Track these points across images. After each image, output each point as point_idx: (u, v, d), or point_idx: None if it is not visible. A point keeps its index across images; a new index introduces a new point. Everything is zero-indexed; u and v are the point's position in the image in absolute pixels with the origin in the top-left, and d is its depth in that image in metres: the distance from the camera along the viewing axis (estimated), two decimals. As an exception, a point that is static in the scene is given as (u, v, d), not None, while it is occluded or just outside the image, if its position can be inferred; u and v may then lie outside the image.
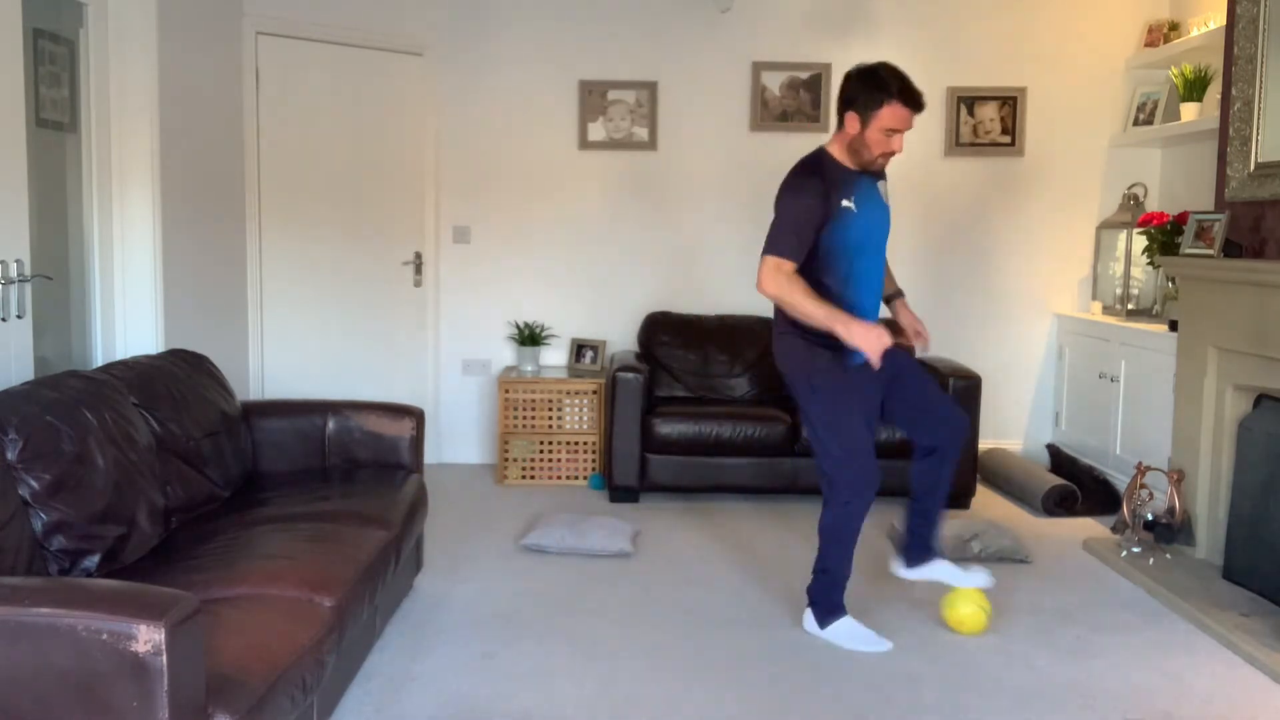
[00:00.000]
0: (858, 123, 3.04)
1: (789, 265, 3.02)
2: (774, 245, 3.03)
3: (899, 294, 3.45)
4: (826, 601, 3.26)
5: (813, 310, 2.99)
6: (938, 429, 3.21)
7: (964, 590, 3.35)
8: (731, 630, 3.34)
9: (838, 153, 3.13)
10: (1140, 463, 4.20)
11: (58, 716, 1.77)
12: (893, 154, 3.08)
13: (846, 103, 3.07)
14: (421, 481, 3.58)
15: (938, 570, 3.39)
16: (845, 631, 3.23)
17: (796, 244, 3.02)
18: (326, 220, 5.12)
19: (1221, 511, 3.90)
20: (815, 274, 3.07)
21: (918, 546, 3.39)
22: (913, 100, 3.01)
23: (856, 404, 3.12)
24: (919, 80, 5.35)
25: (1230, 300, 3.82)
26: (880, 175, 3.22)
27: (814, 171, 3.08)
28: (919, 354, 3.38)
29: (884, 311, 3.46)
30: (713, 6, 5.34)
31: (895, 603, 3.60)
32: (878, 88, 2.99)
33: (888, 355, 3.06)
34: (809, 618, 3.30)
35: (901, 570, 3.44)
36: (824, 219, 3.02)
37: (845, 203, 3.05)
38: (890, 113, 2.99)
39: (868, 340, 2.94)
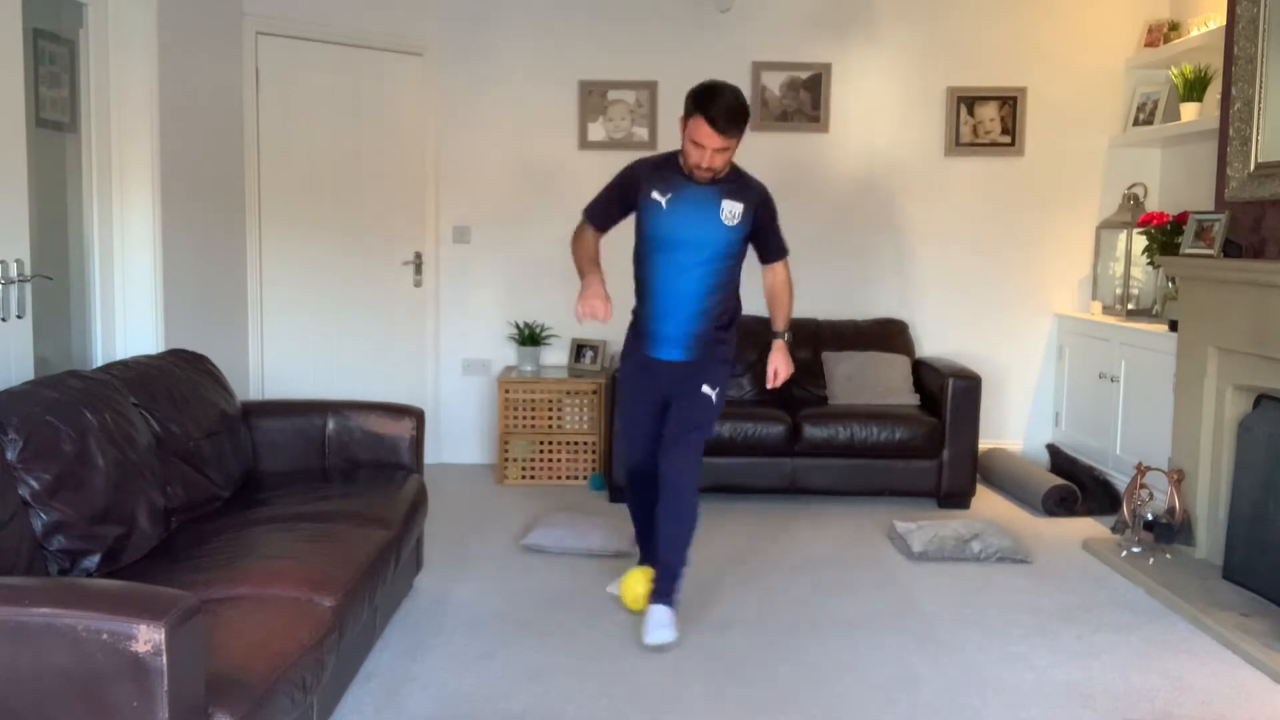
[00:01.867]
0: (682, 128, 3.19)
1: (591, 230, 3.37)
2: (590, 206, 3.41)
3: (780, 334, 3.46)
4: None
5: (577, 261, 3.35)
6: (663, 454, 3.30)
7: (636, 571, 3.44)
8: (731, 630, 3.34)
9: (682, 158, 3.29)
10: (1140, 463, 4.20)
11: (58, 716, 1.77)
12: (706, 168, 3.15)
13: (684, 109, 3.21)
14: (421, 481, 3.58)
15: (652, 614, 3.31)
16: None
17: (598, 208, 3.38)
18: (326, 220, 5.12)
19: (1221, 511, 3.91)
20: (635, 258, 3.38)
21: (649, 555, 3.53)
22: (720, 122, 3.06)
23: (629, 390, 3.43)
24: (919, 80, 5.42)
25: (1230, 300, 3.82)
26: (739, 197, 3.26)
27: (654, 162, 3.33)
28: (771, 385, 3.49)
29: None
30: (713, 6, 5.34)
31: (896, 603, 3.60)
32: (695, 100, 3.11)
33: (682, 372, 3.32)
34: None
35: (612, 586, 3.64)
36: (630, 202, 3.31)
37: (655, 195, 3.26)
38: (695, 126, 3.11)
39: (580, 300, 3.21)
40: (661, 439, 3.32)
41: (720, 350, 3.37)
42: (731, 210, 3.26)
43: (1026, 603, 3.62)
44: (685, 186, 3.24)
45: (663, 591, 3.27)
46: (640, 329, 3.40)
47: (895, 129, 5.46)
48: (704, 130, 3.08)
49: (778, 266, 3.46)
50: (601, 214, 3.37)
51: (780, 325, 3.48)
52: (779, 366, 3.43)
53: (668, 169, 3.28)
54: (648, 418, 3.41)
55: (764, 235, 3.37)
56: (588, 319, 3.21)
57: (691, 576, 3.84)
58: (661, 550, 3.29)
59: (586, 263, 3.32)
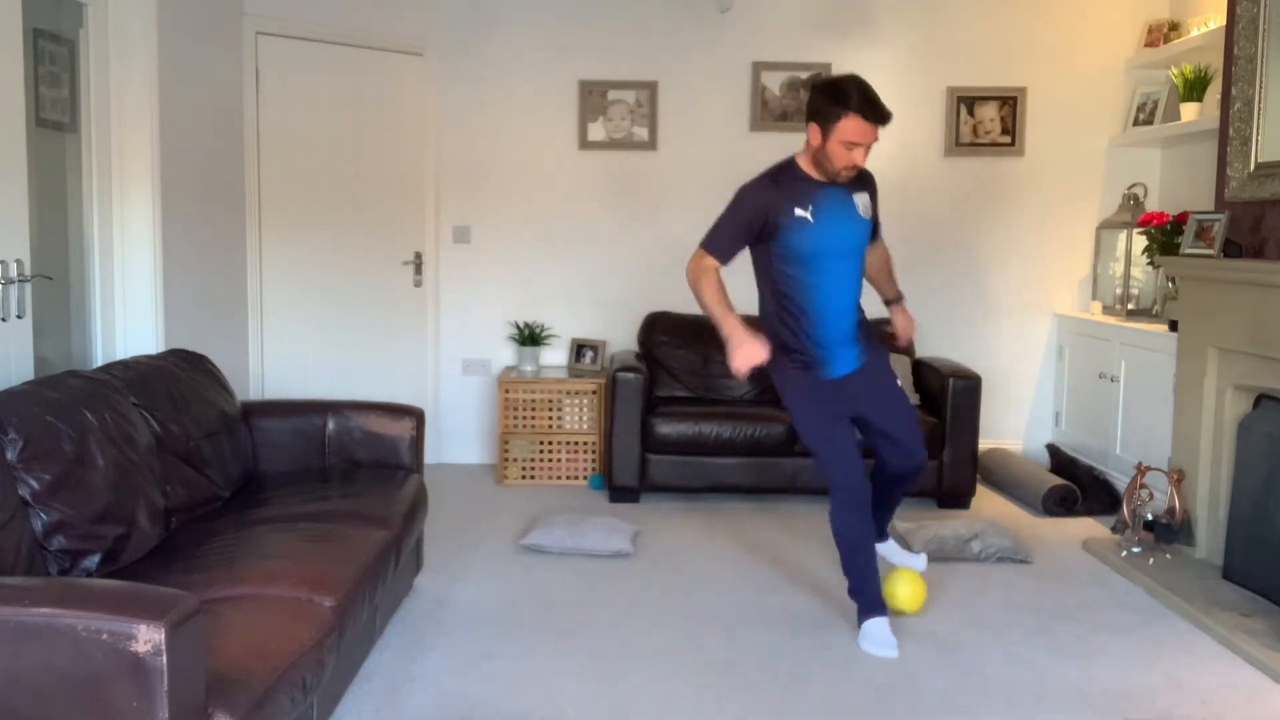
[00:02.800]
0: (819, 134, 3.04)
1: (713, 262, 3.14)
2: (707, 240, 3.17)
3: (898, 298, 3.55)
4: (857, 598, 3.33)
5: (712, 306, 3.13)
6: (903, 460, 3.35)
7: (900, 571, 3.48)
8: (731, 630, 3.34)
9: (805, 164, 3.15)
10: (1140, 463, 4.20)
11: (58, 716, 1.77)
12: (856, 167, 3.07)
13: (810, 115, 3.07)
14: (421, 481, 3.58)
15: (884, 549, 3.59)
16: (867, 630, 3.24)
17: (725, 243, 3.14)
18: (327, 220, 5.12)
19: (1221, 511, 3.90)
20: (776, 282, 3.18)
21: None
22: (874, 113, 2.98)
23: (815, 405, 3.22)
24: (919, 80, 5.41)
25: (1230, 300, 3.82)
26: (860, 187, 3.22)
27: (772, 179, 3.15)
28: (903, 343, 3.55)
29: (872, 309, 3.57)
30: (713, 6, 5.34)
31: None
32: (837, 100, 2.98)
33: (868, 374, 3.23)
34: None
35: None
36: (767, 226, 3.10)
37: (799, 211, 3.09)
38: (849, 125, 2.98)
39: (737, 353, 3.06)
40: (861, 445, 3.29)
41: (871, 338, 3.34)
42: (863, 203, 3.21)
43: (1026, 603, 3.62)
44: (820, 194, 3.11)
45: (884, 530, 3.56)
46: (807, 356, 3.19)
47: (895, 129, 5.46)
48: (859, 127, 2.97)
49: (880, 243, 3.48)
50: (728, 248, 3.14)
51: (894, 291, 3.55)
52: (906, 326, 3.50)
53: (792, 181, 3.12)
54: (848, 434, 3.24)
55: (875, 218, 3.33)
56: (749, 367, 3.06)
57: (692, 576, 3.84)
58: (894, 502, 3.49)
59: (721, 304, 3.12)
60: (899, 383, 3.40)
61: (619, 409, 4.75)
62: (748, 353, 3.05)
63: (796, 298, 3.16)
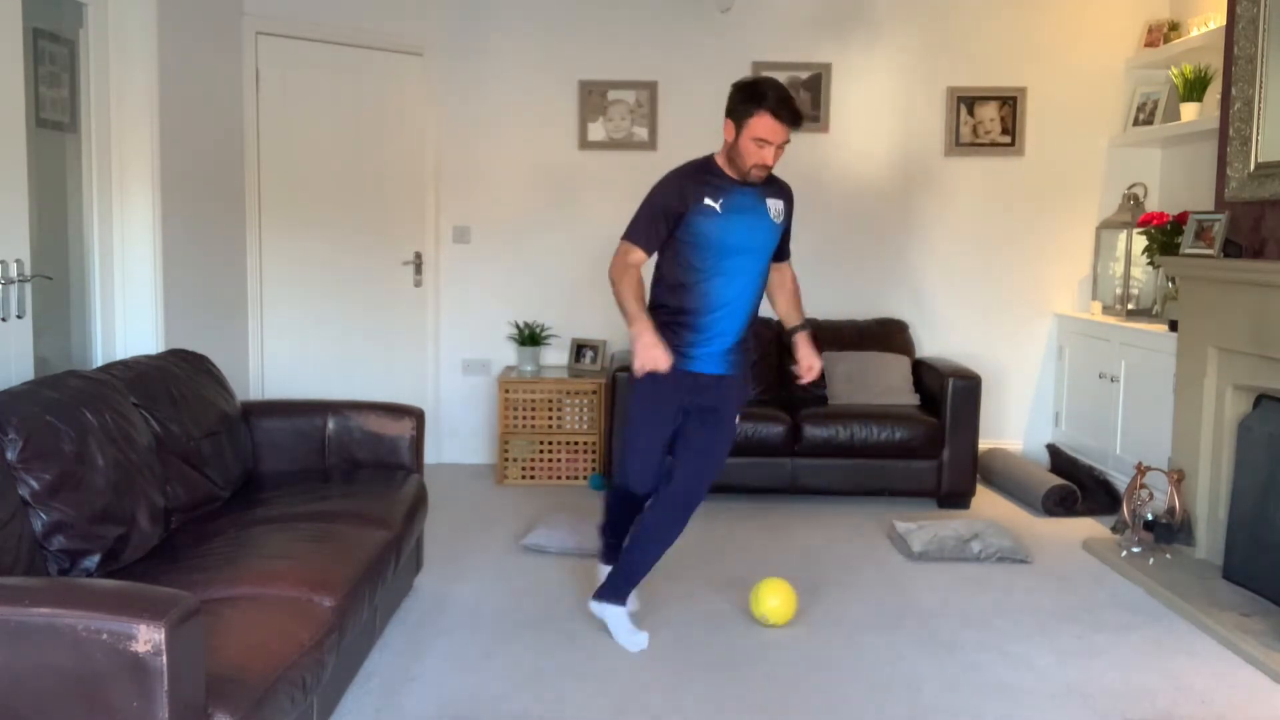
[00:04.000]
0: (733, 130, 3.07)
1: (638, 254, 3.14)
2: (628, 231, 3.17)
3: (801, 327, 3.38)
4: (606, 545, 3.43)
5: (627, 303, 3.11)
6: (680, 484, 3.19)
7: (768, 582, 3.39)
8: (731, 630, 3.34)
9: (721, 161, 3.17)
10: (1140, 463, 4.20)
11: (58, 716, 1.77)
12: (766, 166, 3.07)
13: (727, 111, 3.10)
14: (421, 481, 3.58)
15: (609, 614, 3.27)
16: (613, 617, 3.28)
17: (645, 231, 3.14)
18: (326, 220, 5.12)
19: (1221, 511, 3.90)
20: (676, 271, 3.16)
21: (610, 585, 3.32)
22: (786, 113, 3.00)
23: (657, 399, 3.16)
24: (919, 80, 5.42)
25: (1230, 300, 3.82)
26: (777, 194, 3.20)
27: (682, 172, 3.18)
28: (805, 380, 3.35)
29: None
30: (713, 6, 5.34)
31: (896, 603, 3.60)
32: (752, 98, 3.02)
33: (721, 390, 3.18)
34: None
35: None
36: (676, 213, 3.10)
37: (708, 200, 3.11)
38: (760, 123, 3.00)
39: (641, 354, 3.05)
40: (665, 454, 3.23)
41: (745, 365, 3.28)
42: (776, 209, 3.20)
43: (1026, 603, 3.62)
44: (733, 190, 3.12)
45: (623, 592, 3.28)
46: (679, 341, 3.15)
47: (895, 129, 5.46)
48: (768, 125, 2.99)
49: (787, 266, 3.42)
50: (650, 236, 3.14)
51: (799, 318, 3.41)
52: (811, 360, 3.32)
53: (709, 175, 3.15)
54: (662, 438, 3.21)
55: (786, 234, 3.31)
56: (645, 371, 3.06)
57: (692, 576, 3.84)
58: (645, 558, 3.25)
59: (636, 304, 3.11)
60: (736, 423, 3.30)
61: (619, 409, 4.74)
62: (651, 357, 3.03)
63: (686, 286, 3.14)
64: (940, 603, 3.60)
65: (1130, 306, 5.11)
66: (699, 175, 3.16)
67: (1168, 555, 3.98)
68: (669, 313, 3.17)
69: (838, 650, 3.20)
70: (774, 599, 3.35)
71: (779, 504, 4.87)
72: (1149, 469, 4.12)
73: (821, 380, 3.32)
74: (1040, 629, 3.39)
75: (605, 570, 3.44)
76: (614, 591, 3.27)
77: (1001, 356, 5.58)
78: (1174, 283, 4.49)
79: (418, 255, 5.41)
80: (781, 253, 3.34)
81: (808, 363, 3.31)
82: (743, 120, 3.04)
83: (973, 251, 5.54)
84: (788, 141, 3.06)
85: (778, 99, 3.00)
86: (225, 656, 2.04)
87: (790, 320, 3.41)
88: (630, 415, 3.24)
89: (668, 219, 3.12)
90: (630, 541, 3.29)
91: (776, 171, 3.21)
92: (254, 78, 4.82)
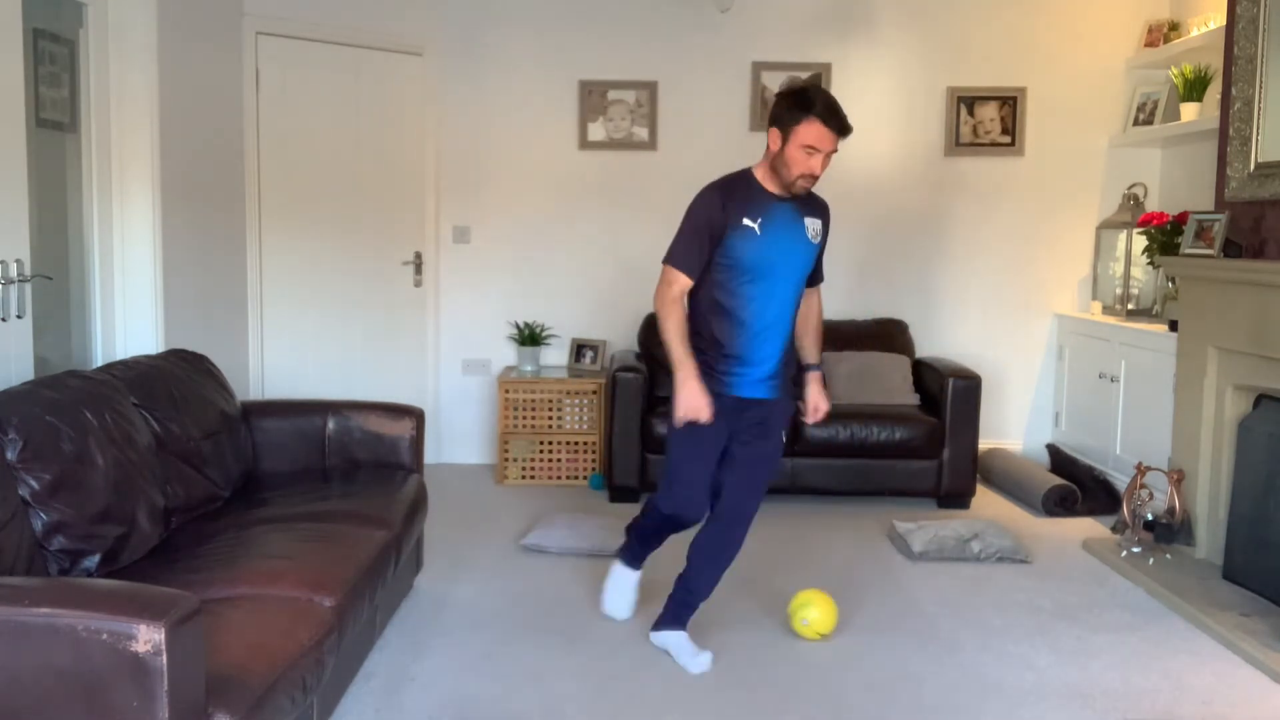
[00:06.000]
0: (779, 139, 2.96)
1: (682, 280, 3.00)
2: (669, 255, 3.03)
3: (816, 367, 3.28)
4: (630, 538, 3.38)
5: (673, 344, 2.98)
6: (723, 493, 3.14)
7: (806, 594, 3.32)
8: (731, 630, 3.34)
9: (761, 175, 3.05)
10: (1140, 463, 4.20)
11: (58, 716, 1.77)
12: (814, 176, 2.95)
13: (772, 120, 2.99)
14: (421, 481, 3.58)
15: (671, 641, 3.20)
16: (618, 574, 3.40)
17: (688, 255, 3.00)
18: (326, 220, 5.12)
19: (1221, 511, 3.90)
20: (713, 292, 3.03)
21: (670, 611, 3.26)
22: (835, 121, 2.90)
23: (700, 435, 3.02)
24: (919, 80, 5.42)
25: (1230, 300, 3.82)
26: (815, 213, 3.10)
27: (721, 187, 3.04)
28: (811, 422, 3.29)
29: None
30: (713, 6, 5.34)
31: (896, 603, 3.60)
32: (801, 105, 2.91)
33: (764, 412, 3.07)
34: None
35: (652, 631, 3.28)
36: (720, 231, 2.97)
37: (746, 221, 2.97)
38: (810, 130, 2.88)
39: (684, 403, 2.94)
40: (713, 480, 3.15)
41: (788, 385, 3.17)
42: (814, 227, 3.08)
43: (1026, 603, 3.62)
44: (772, 207, 2.99)
45: (684, 618, 3.22)
46: (720, 367, 3.03)
47: (895, 129, 5.46)
48: (818, 132, 2.87)
49: (815, 292, 3.26)
50: (694, 260, 2.99)
51: (816, 356, 3.28)
52: (819, 402, 3.22)
53: (745, 190, 3.01)
54: (710, 465, 3.08)
55: (820, 255, 3.18)
56: (687, 421, 2.96)
57: (691, 576, 3.84)
58: (702, 581, 3.20)
59: (681, 346, 2.97)
60: (783, 438, 3.19)
61: (619, 409, 4.75)
62: (693, 408, 2.94)
63: (730, 309, 3.02)
64: (940, 603, 3.60)
65: (1130, 306, 5.11)
66: (738, 191, 3.02)
67: (1168, 555, 3.98)
68: (707, 341, 3.04)
69: (838, 650, 3.20)
70: (814, 611, 3.27)
71: (779, 504, 4.86)
72: (1149, 469, 4.12)
73: (794, 381, 3.24)
74: (1040, 629, 3.39)
75: (620, 569, 3.40)
76: (675, 618, 3.20)
77: (1001, 356, 5.58)
78: (1174, 283, 4.49)
79: (418, 255, 5.41)
80: (815, 276, 3.20)
81: (814, 403, 3.23)
82: (790, 128, 2.92)
83: (973, 251, 5.54)
84: (835, 151, 2.95)
85: (826, 106, 2.89)
86: (225, 656, 2.04)
87: (807, 356, 3.27)
88: (674, 447, 3.09)
89: (711, 237, 2.99)
90: (688, 566, 3.21)
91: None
92: (254, 78, 4.82)
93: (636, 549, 3.38)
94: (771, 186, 3.02)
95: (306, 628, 2.29)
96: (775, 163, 2.98)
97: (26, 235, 3.02)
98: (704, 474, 3.08)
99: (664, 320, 3.00)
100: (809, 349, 3.27)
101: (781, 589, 3.71)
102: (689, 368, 2.96)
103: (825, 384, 3.31)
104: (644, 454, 4.77)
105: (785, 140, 2.93)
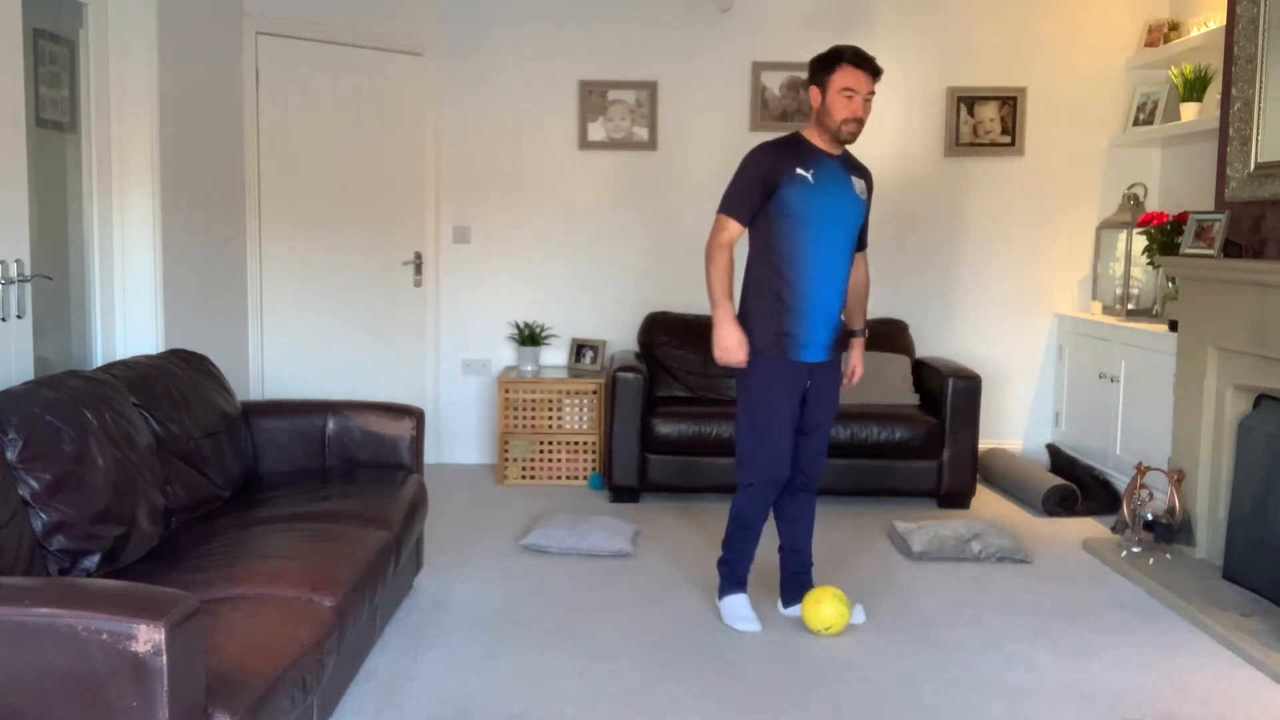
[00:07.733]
0: (819, 94, 3.17)
1: (734, 227, 3.19)
2: (723, 204, 3.21)
3: (859, 333, 3.49)
4: (727, 576, 3.43)
5: (714, 289, 3.20)
6: (802, 472, 3.38)
7: (821, 590, 3.33)
8: (731, 630, 3.34)
9: (811, 136, 3.24)
10: (1140, 463, 4.20)
11: (58, 716, 1.77)
12: (858, 120, 3.14)
13: (810, 81, 3.21)
14: (421, 481, 3.58)
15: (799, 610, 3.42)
16: (730, 605, 3.40)
17: (740, 202, 3.18)
18: (327, 220, 5.12)
19: (1221, 511, 3.91)
20: (771, 241, 3.19)
21: (791, 585, 3.46)
22: (866, 63, 3.13)
23: (780, 389, 3.22)
24: (919, 80, 5.42)
25: (1230, 300, 3.83)
26: (860, 174, 3.27)
27: (773, 144, 3.23)
28: (848, 384, 3.50)
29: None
30: (713, 6, 5.34)
31: (896, 603, 3.60)
32: (830, 57, 3.15)
33: (828, 373, 3.29)
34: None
35: (782, 609, 3.48)
36: (769, 184, 3.14)
37: (800, 170, 3.15)
38: (844, 74, 3.11)
39: (720, 343, 3.19)
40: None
41: (839, 347, 3.35)
42: (860, 186, 3.26)
43: (1026, 603, 3.62)
44: (823, 162, 3.18)
45: (807, 582, 3.44)
46: (785, 329, 3.19)
47: (895, 129, 5.46)
48: (852, 75, 3.10)
49: (863, 258, 3.46)
50: (743, 205, 3.17)
51: (861, 323, 3.49)
52: (858, 365, 3.46)
53: (797, 146, 3.20)
54: (792, 426, 3.26)
55: (866, 218, 3.34)
56: (724, 364, 3.22)
57: (692, 576, 3.84)
58: (809, 545, 3.44)
59: (721, 290, 3.19)
60: (838, 401, 3.40)
61: (619, 409, 4.75)
62: (728, 348, 3.17)
63: (786, 263, 3.17)
64: (940, 603, 3.60)
65: (1130, 306, 5.11)
66: (791, 146, 3.21)
67: (1168, 555, 3.98)
68: (772, 303, 3.20)
69: (838, 650, 3.20)
70: (827, 607, 3.28)
71: (779, 503, 4.86)
72: (1149, 469, 4.12)
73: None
74: (1040, 629, 3.39)
75: (728, 600, 3.40)
76: (799, 586, 3.41)
77: (1001, 356, 5.58)
78: (1174, 283, 4.49)
79: (418, 255, 5.41)
80: (862, 239, 3.38)
81: (854, 365, 3.46)
82: (826, 78, 3.14)
83: (973, 251, 5.54)
84: (873, 94, 3.15)
85: (855, 53, 3.14)
86: (225, 656, 2.04)
87: (854, 322, 3.49)
88: (755, 414, 3.25)
89: (763, 187, 3.16)
90: (793, 539, 3.43)
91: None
92: (254, 78, 4.82)
93: (737, 567, 3.42)
94: (821, 143, 3.21)
95: (306, 628, 2.29)
96: (820, 118, 3.18)
97: (26, 235, 3.02)
98: (789, 435, 3.26)
99: (710, 264, 3.21)
100: (855, 315, 3.49)
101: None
102: (726, 309, 3.18)
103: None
104: (644, 454, 4.77)
105: (825, 92, 3.15)
